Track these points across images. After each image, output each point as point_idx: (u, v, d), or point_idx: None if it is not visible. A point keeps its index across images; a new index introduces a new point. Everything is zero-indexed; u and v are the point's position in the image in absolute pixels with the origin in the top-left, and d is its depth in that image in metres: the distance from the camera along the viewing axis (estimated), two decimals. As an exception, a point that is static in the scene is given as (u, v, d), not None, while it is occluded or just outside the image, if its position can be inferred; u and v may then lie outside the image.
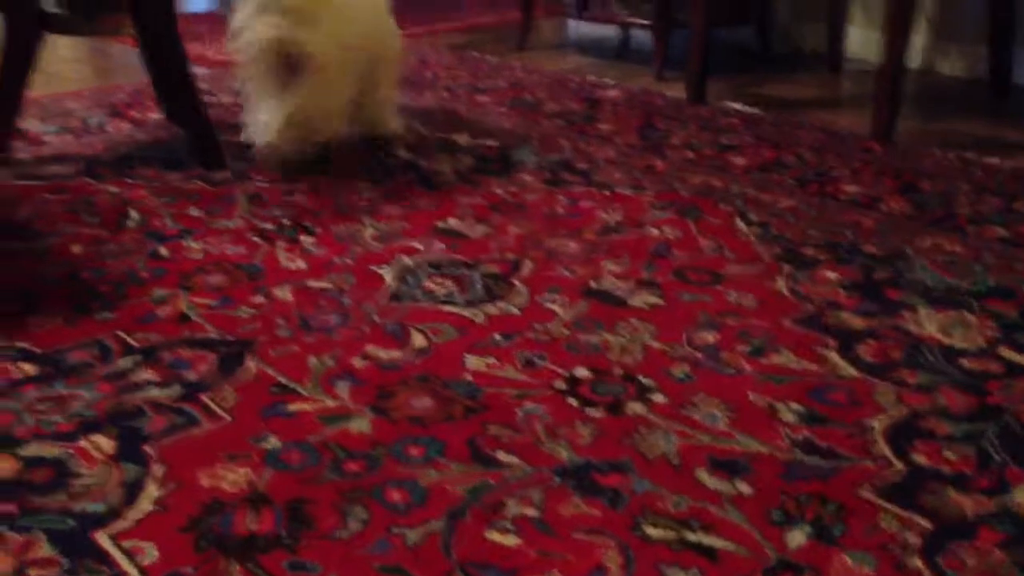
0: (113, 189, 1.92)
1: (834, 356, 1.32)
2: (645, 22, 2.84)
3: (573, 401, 1.21)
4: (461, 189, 1.94)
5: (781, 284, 1.53)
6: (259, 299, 1.48)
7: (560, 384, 1.25)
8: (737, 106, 2.49)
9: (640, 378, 1.26)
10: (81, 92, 2.64)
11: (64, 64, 3.01)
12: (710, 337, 1.37)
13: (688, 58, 2.52)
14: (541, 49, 3.26)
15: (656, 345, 1.35)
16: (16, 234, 1.71)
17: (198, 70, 2.90)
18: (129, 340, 1.35)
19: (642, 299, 1.48)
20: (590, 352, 1.33)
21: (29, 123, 2.32)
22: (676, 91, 2.64)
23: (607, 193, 1.91)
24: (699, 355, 1.32)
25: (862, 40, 2.91)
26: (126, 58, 2.88)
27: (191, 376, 1.26)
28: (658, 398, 1.22)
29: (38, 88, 2.66)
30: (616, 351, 1.33)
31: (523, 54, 3.17)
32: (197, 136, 2.03)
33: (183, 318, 1.42)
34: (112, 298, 1.48)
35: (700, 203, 1.86)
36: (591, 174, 2.02)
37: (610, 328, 1.40)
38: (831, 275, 1.56)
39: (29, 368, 1.28)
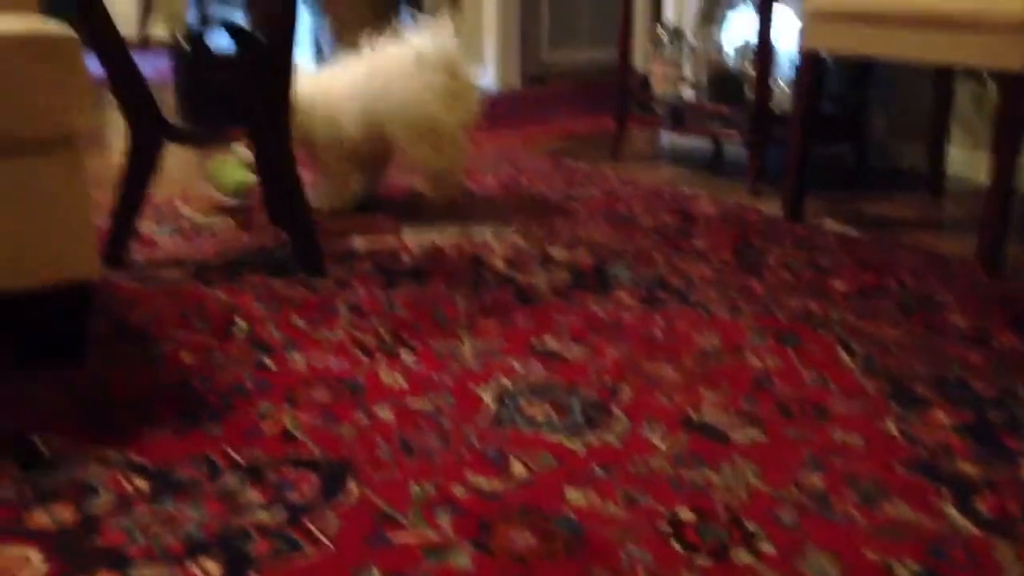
0: (222, 295, 1.98)
1: (950, 508, 1.27)
2: (740, 137, 2.86)
3: (677, 545, 1.19)
4: (557, 305, 1.96)
5: (890, 424, 1.49)
6: (361, 417, 1.50)
7: (664, 526, 1.23)
8: (835, 225, 2.47)
9: (746, 522, 1.23)
10: (192, 195, 2.75)
11: (175, 165, 3.15)
12: (817, 480, 1.34)
13: (784, 174, 2.52)
14: (634, 158, 3.30)
15: (761, 486, 1.32)
16: (132, 339, 1.77)
17: (305, 175, 3.01)
18: (236, 456, 1.38)
19: (744, 434, 1.46)
20: (693, 490, 1.31)
21: (144, 225, 2.42)
22: (771, 207, 2.64)
23: (704, 315, 1.91)
24: (806, 500, 1.29)
25: (963, 160, 2.88)
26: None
27: (295, 498, 1.28)
28: (766, 547, 1.19)
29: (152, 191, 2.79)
30: (720, 490, 1.31)
31: (616, 163, 3.21)
32: (300, 242, 2.10)
33: (287, 435, 1.45)
34: (220, 410, 1.51)
35: (799, 330, 1.83)
36: (687, 294, 2.02)
37: (713, 465, 1.37)
38: (942, 416, 1.51)
39: (141, 483, 1.31)
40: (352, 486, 1.31)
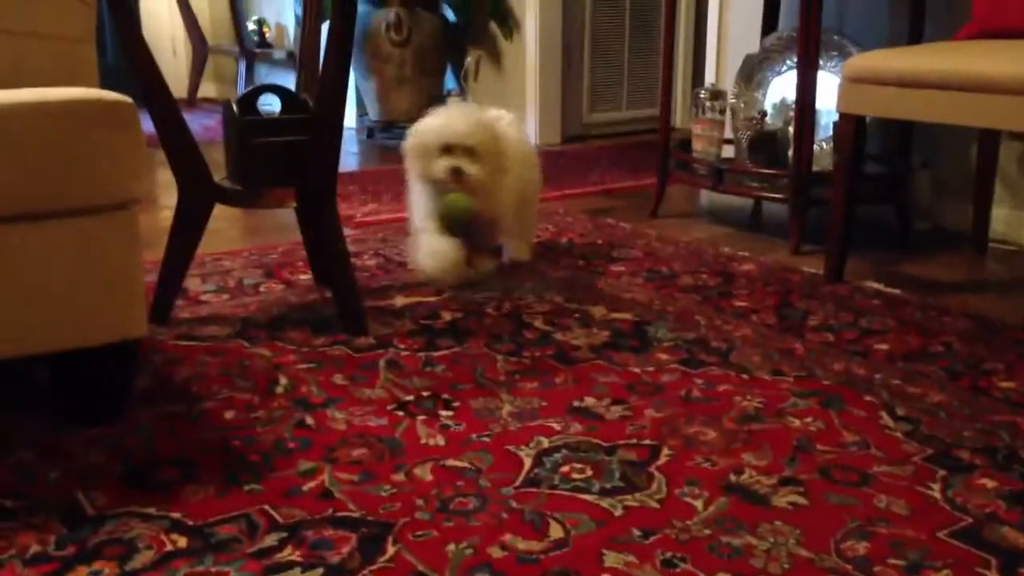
0: (265, 352, 2.01)
1: (997, 578, 1.24)
2: (782, 197, 2.86)
3: (717, 613, 1.17)
4: (597, 366, 1.95)
5: (935, 490, 1.46)
6: (400, 477, 1.50)
7: (703, 592, 1.21)
8: (878, 286, 2.45)
9: (787, 591, 1.21)
10: (238, 251, 2.80)
11: (221, 222, 3.22)
12: (860, 547, 1.31)
13: (826, 234, 2.52)
14: (674, 216, 3.31)
15: (803, 553, 1.30)
16: (176, 397, 1.80)
17: (346, 231, 3.05)
18: (275, 515, 1.39)
19: (786, 498, 1.44)
20: (733, 556, 1.29)
21: (190, 282, 2.47)
22: (812, 266, 2.62)
23: (745, 377, 1.89)
24: (849, 567, 1.26)
25: (1009, 220, 2.85)
26: (275, 217, 3.05)
27: (333, 558, 1.28)
28: (807, 616, 1.16)
29: (199, 247, 2.85)
30: (760, 557, 1.29)
31: (656, 221, 3.22)
32: (344, 300, 2.12)
33: (326, 494, 1.45)
34: (261, 469, 1.52)
35: (843, 392, 1.81)
36: (727, 355, 2.00)
37: (753, 530, 1.35)
38: (988, 483, 1.48)
39: (181, 541, 1.32)
40: (390, 547, 1.31)
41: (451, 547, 1.31)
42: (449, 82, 5.16)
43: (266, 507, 1.41)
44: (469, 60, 5.10)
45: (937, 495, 1.45)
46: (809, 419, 1.71)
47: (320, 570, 1.26)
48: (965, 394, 1.81)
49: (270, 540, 1.33)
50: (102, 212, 1.56)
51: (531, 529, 1.36)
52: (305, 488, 1.47)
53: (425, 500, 1.43)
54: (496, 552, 1.30)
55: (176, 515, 1.39)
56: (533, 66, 4.76)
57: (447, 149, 2.31)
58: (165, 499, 1.43)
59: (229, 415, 1.72)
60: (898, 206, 2.94)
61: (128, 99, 1.55)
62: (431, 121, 2.39)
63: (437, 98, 5.05)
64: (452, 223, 2.34)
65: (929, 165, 2.98)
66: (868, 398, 1.79)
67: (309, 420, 1.70)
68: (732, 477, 1.50)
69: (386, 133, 5.02)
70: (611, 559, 1.29)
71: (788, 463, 1.55)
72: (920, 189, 2.96)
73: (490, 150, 2.33)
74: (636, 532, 1.35)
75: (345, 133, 5.21)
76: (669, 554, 1.30)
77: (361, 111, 5.26)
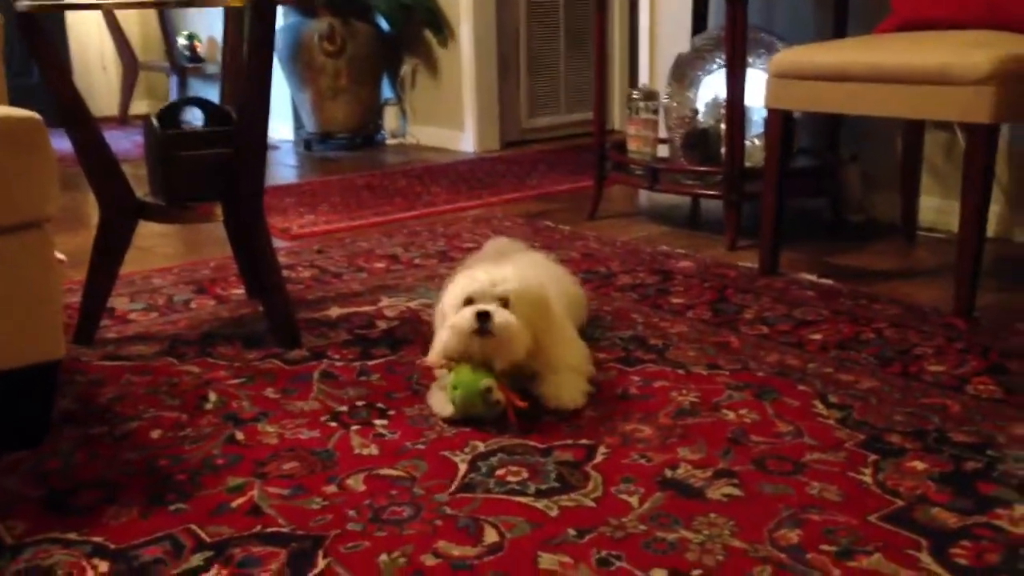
0: (194, 369, 1.97)
1: (927, 559, 1.24)
2: (716, 194, 2.88)
3: (651, 609, 1.16)
4: (534, 368, 1.94)
5: (867, 475, 1.47)
6: (331, 489, 1.47)
7: (637, 589, 1.20)
8: (811, 278, 2.47)
9: (721, 583, 1.21)
10: (169, 268, 2.75)
11: (154, 239, 3.16)
12: (793, 535, 1.31)
13: (760, 229, 2.53)
14: (613, 217, 3.32)
15: (737, 543, 1.29)
16: (99, 418, 1.75)
17: (280, 243, 3.01)
18: (201, 534, 1.35)
19: (720, 491, 1.44)
20: (668, 551, 1.28)
21: (117, 301, 2.41)
22: (749, 261, 2.64)
23: (681, 372, 1.89)
24: (783, 556, 1.26)
25: (936, 209, 2.90)
26: (210, 232, 2.99)
27: (262, 575, 1.25)
28: (741, 607, 1.16)
29: (128, 265, 2.78)
30: (695, 550, 1.28)
31: (595, 223, 3.22)
32: (276, 314, 2.09)
33: (255, 510, 1.42)
34: (187, 488, 1.49)
35: (777, 383, 1.82)
36: (664, 351, 2.00)
37: (688, 523, 1.35)
38: (919, 465, 1.49)
39: (102, 566, 1.28)
40: (320, 560, 1.28)
41: (383, 557, 1.29)
42: (386, 91, 5.13)
43: (192, 526, 1.37)
44: (405, 68, 5.07)
45: (868, 480, 1.45)
46: (744, 411, 1.71)
47: (247, 588, 1.23)
48: (896, 379, 1.82)
49: (196, 560, 1.29)
50: (13, 232, 1.51)
51: (465, 535, 1.34)
52: (233, 505, 1.43)
53: (357, 511, 1.41)
54: (429, 560, 1.28)
55: (97, 539, 1.34)
56: (469, 73, 4.75)
57: (470, 301, 1.72)
58: (86, 523, 1.39)
59: (155, 434, 1.68)
60: (830, 198, 2.97)
61: (36, 116, 1.50)
62: (457, 282, 1.78)
63: (374, 108, 5.03)
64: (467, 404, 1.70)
65: (858, 158, 3.02)
66: (802, 387, 1.80)
67: (239, 435, 1.67)
68: (668, 472, 1.50)
69: (323, 145, 4.97)
70: (546, 560, 1.27)
71: (723, 456, 1.55)
72: (850, 182, 3.00)
73: (529, 301, 1.74)
74: (571, 532, 1.34)
75: (282, 146, 5.19)
76: (604, 552, 1.28)
77: (297, 124, 5.20)
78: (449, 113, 4.91)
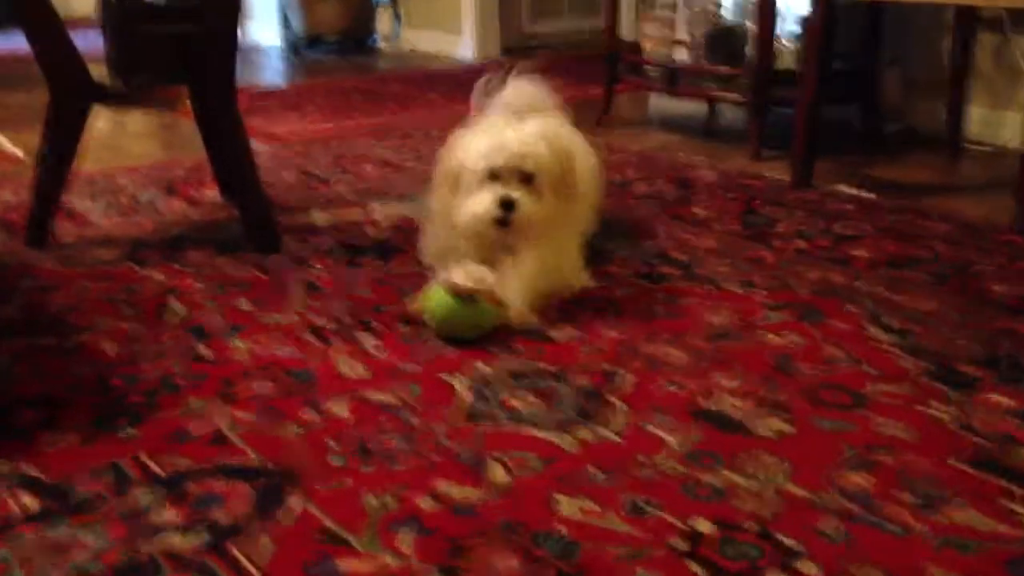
0: (158, 276, 1.73)
1: (1022, 510, 1.03)
2: (740, 98, 2.62)
3: (697, 568, 0.95)
4: (543, 281, 1.71)
5: (940, 411, 1.25)
6: (309, 414, 1.25)
7: (678, 542, 0.99)
8: (850, 190, 2.23)
9: (780, 537, 0.99)
10: (137, 168, 2.49)
11: (128, 139, 2.89)
12: (862, 480, 1.10)
13: (791, 137, 2.29)
14: (622, 125, 3.05)
15: (795, 490, 1.08)
16: (46, 327, 1.52)
17: (263, 146, 2.75)
18: (152, 466, 1.13)
19: (768, 425, 1.22)
20: (712, 498, 1.07)
21: (77, 201, 2.16)
22: (776, 172, 2.40)
23: (712, 289, 1.66)
24: (852, 506, 1.05)
25: (986, 120, 2.64)
26: (195, 131, 2.72)
27: (221, 517, 1.03)
28: (808, 568, 0.95)
29: (93, 163, 2.53)
30: (745, 497, 1.07)
31: (605, 131, 2.96)
32: (252, 217, 1.84)
33: (219, 438, 1.20)
34: (141, 410, 1.26)
35: (821, 304, 1.59)
36: (691, 267, 1.77)
37: (733, 464, 1.13)
38: (998, 399, 1.27)
39: (31, 502, 1.06)
40: (293, 500, 1.07)
41: (370, 498, 1.07)
42: (379, -9, 4.80)
43: (142, 456, 1.15)
44: (400, -33, 4.74)
45: (942, 415, 1.24)
46: (787, 334, 1.48)
47: (203, 534, 1.01)
48: (958, 301, 1.60)
49: (143, 497, 1.07)
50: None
51: (468, 472, 1.12)
52: (193, 432, 1.21)
53: (339, 441, 1.19)
54: (425, 503, 1.06)
55: (29, 469, 1.12)
56: (469, -28, 4.42)
57: (494, 175, 1.55)
58: (18, 449, 1.16)
59: (109, 348, 1.45)
60: (865, 105, 2.71)
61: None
62: (474, 140, 1.60)
63: (367, 9, 4.70)
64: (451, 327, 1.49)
65: (898, 62, 2.75)
66: (850, 308, 1.57)
67: (204, 351, 1.44)
68: (703, 402, 1.28)
69: (312, 48, 4.66)
70: (565, 506, 1.05)
71: (767, 384, 1.33)
72: (890, 87, 2.74)
73: (558, 177, 1.58)
74: (594, 472, 1.12)
75: (268, 50, 4.86)
76: (636, 498, 1.07)
77: (285, 25, 4.87)
78: (446, 16, 4.59)
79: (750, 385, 1.32)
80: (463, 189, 1.57)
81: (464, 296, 1.45)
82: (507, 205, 1.52)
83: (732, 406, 1.27)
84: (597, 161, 1.82)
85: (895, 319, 1.53)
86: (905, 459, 1.14)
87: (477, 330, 1.47)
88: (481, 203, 1.53)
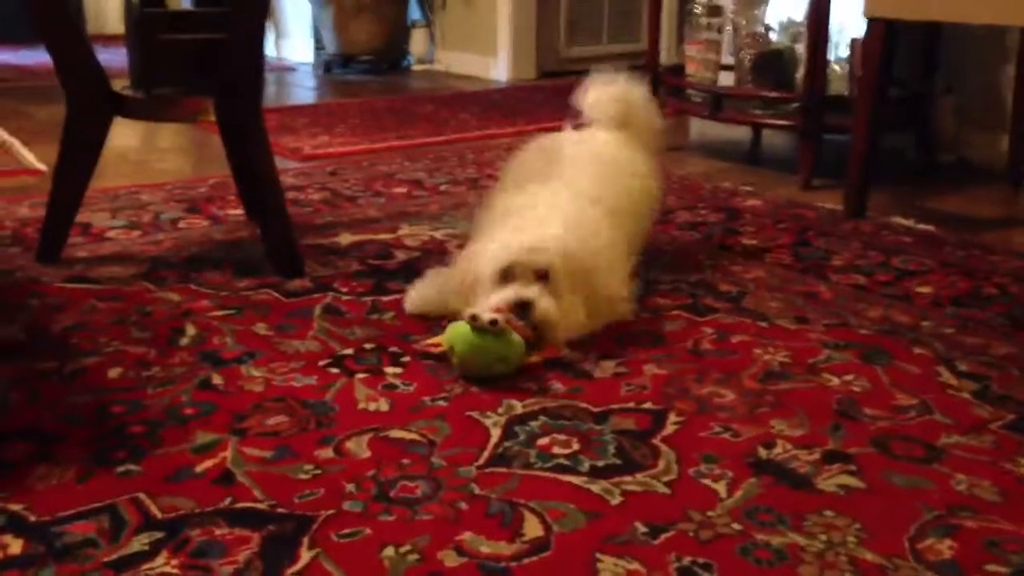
0: (173, 297, 1.63)
1: None
2: (790, 124, 2.50)
3: (761, 649, 0.83)
4: (582, 312, 1.59)
5: (1027, 468, 1.12)
6: (326, 453, 1.14)
7: (739, 617, 0.87)
8: (907, 222, 2.10)
9: (856, 614, 0.87)
10: (162, 184, 2.41)
11: (156, 154, 2.82)
12: (944, 548, 0.97)
13: (842, 165, 2.16)
14: (664, 151, 2.93)
15: (868, 556, 0.95)
16: (49, 350, 1.42)
17: (291, 164, 2.67)
18: (151, 507, 1.02)
19: (834, 480, 1.09)
20: (774, 562, 0.94)
21: (94, 216, 2.08)
22: (827, 201, 2.27)
23: (764, 325, 1.54)
24: (934, 577, 0.92)
25: (1045, 150, 2.50)
26: (217, 147, 2.65)
27: (224, 569, 0.92)
28: (891, 655, 0.82)
29: (117, 178, 2.46)
30: (812, 563, 0.94)
31: (644, 157, 2.84)
32: (274, 237, 1.75)
33: (226, 477, 1.09)
34: (143, 444, 1.16)
35: (886, 344, 1.46)
36: (740, 299, 1.65)
37: (797, 524, 1.01)
38: (1094, 457, 1.14)
39: (14, 545, 0.96)
40: (304, 551, 0.95)
41: (389, 551, 0.95)
42: (414, 11, 4.73)
43: (141, 496, 1.04)
44: (436, -12, 4.67)
45: (1031, 474, 1.11)
46: (850, 376, 1.36)
47: (202, 588, 0.90)
48: (1036, 345, 1.47)
49: (137, 544, 0.96)
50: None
51: (499, 525, 1.00)
52: (198, 469, 1.10)
53: (358, 485, 1.07)
54: (450, 558, 0.94)
55: (16, 507, 1.02)
56: (505, -7, 4.34)
57: (508, 275, 1.45)
58: (5, 485, 1.06)
59: (114, 373, 1.35)
60: (919, 134, 2.58)
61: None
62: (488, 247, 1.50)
63: (401, 30, 4.63)
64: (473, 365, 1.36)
65: (954, 90, 2.62)
66: (918, 350, 1.44)
67: (216, 379, 1.33)
68: (762, 451, 1.16)
69: (344, 68, 4.59)
70: (608, 567, 0.93)
71: (831, 433, 1.20)
72: (944, 116, 2.61)
73: (573, 279, 1.47)
74: (641, 528, 1.00)
75: (299, 68, 4.81)
76: (687, 560, 0.95)
77: (318, 44, 4.82)
78: (481, 38, 4.51)
79: (812, 433, 1.20)
80: (481, 291, 1.47)
81: (488, 329, 1.33)
82: (523, 306, 1.40)
83: (793, 456, 1.14)
84: (656, 184, 1.75)
85: (968, 363, 1.39)
86: (991, 523, 1.01)
87: (504, 364, 1.34)
88: (499, 303, 1.40)
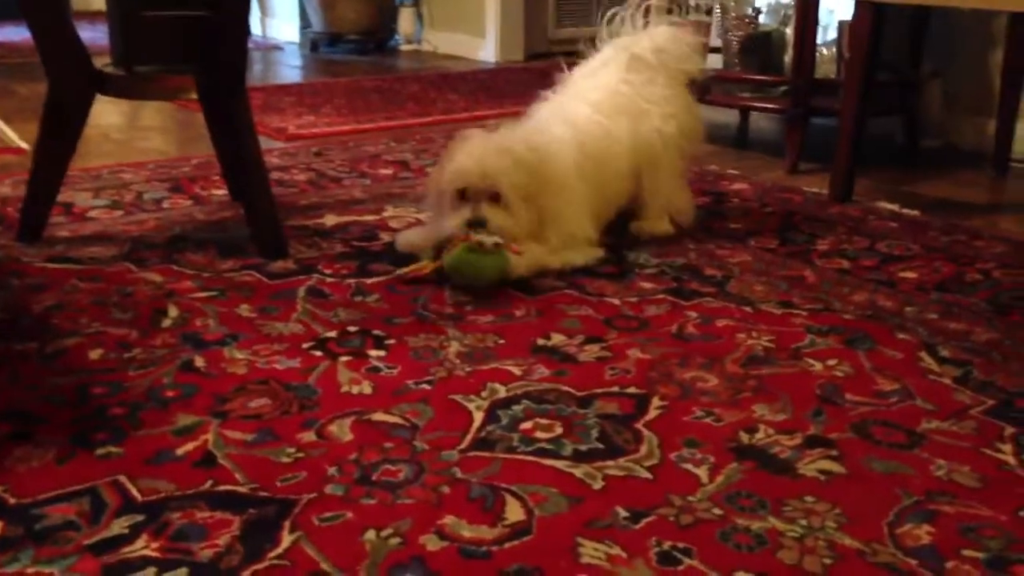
0: (155, 278, 1.62)
1: (1115, 578, 0.91)
2: (779, 108, 2.49)
3: (740, 634, 0.83)
4: (566, 296, 1.59)
5: (1006, 453, 1.12)
6: (308, 436, 1.14)
7: (718, 602, 0.87)
8: (893, 207, 2.10)
9: (834, 599, 0.87)
10: (145, 163, 2.39)
11: (140, 133, 2.80)
12: (922, 533, 0.97)
13: (829, 149, 2.16)
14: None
15: (847, 541, 0.96)
16: (29, 330, 1.41)
17: (276, 144, 2.65)
18: (131, 490, 1.02)
19: (815, 465, 1.10)
20: (755, 548, 0.95)
21: (78, 196, 2.06)
22: (814, 186, 2.27)
23: (748, 310, 1.54)
24: (912, 562, 0.93)
25: (1030, 136, 2.51)
26: (201, 126, 2.63)
27: (204, 553, 0.92)
28: (869, 640, 0.83)
29: (100, 157, 2.44)
30: (791, 548, 0.95)
31: (631, 139, 2.83)
32: (258, 218, 1.74)
33: (208, 459, 1.08)
34: (123, 425, 1.15)
35: (870, 329, 1.47)
36: (725, 284, 1.65)
37: (777, 509, 1.01)
38: (1073, 444, 1.15)
39: (-8, 527, 0.95)
40: (285, 535, 0.95)
41: (370, 535, 0.95)
42: (402, -9, 4.69)
43: (121, 478, 1.04)
44: (424, -33, 4.63)
45: (1010, 459, 1.11)
46: (833, 361, 1.36)
47: (182, 569, 0.89)
48: (1019, 331, 1.47)
49: (117, 526, 0.96)
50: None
51: (480, 509, 1.00)
52: (179, 452, 1.10)
53: (340, 468, 1.07)
54: (431, 542, 0.94)
55: (-5, 490, 1.02)
56: (493, -28, 4.31)
57: (463, 195, 1.64)
58: (-16, 468, 1.06)
59: (95, 354, 1.34)
60: (906, 119, 2.58)
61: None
62: (451, 159, 1.68)
63: (388, 9, 4.60)
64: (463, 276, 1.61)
65: (941, 75, 2.62)
66: (901, 336, 1.45)
67: (199, 361, 1.33)
68: (744, 436, 1.16)
69: (331, 47, 4.56)
70: (588, 552, 0.94)
71: (813, 418, 1.20)
72: (931, 101, 2.61)
73: (526, 189, 1.65)
74: (622, 513, 1.00)
75: (286, 47, 4.77)
76: (667, 544, 0.95)
77: (304, 23, 4.78)
78: (469, 18, 4.48)
79: (794, 418, 1.20)
80: (444, 208, 1.68)
81: (491, 251, 1.57)
82: (476, 224, 1.60)
83: (775, 441, 1.15)
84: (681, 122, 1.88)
85: (950, 349, 1.40)
86: (969, 508, 1.01)
87: (503, 275, 1.58)
88: (452, 225, 1.62)
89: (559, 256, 1.69)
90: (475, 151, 1.65)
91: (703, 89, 2.62)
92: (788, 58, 2.51)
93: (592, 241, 1.75)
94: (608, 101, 1.85)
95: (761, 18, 2.66)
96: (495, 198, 1.62)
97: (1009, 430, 1.17)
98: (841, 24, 2.42)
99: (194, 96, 1.71)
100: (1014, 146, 2.45)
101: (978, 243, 1.87)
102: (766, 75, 2.55)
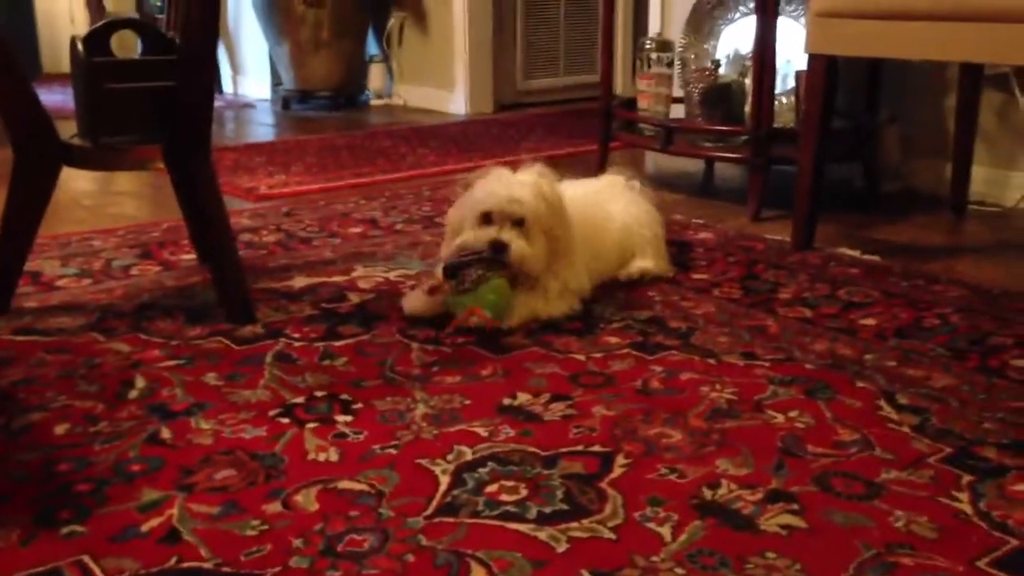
0: (123, 347, 1.63)
1: (1069, 627, 0.92)
2: (739, 157, 2.54)
3: None
4: (532, 353, 1.61)
5: (963, 502, 1.14)
6: (274, 507, 1.14)
7: (679, 665, 0.88)
8: (854, 253, 2.14)
9: (794, 658, 0.88)
10: (115, 229, 2.40)
11: (111, 198, 2.81)
12: (882, 587, 0.99)
13: (786, 198, 2.20)
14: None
15: (807, 598, 0.97)
16: (-5, 406, 1.41)
17: (246, 204, 2.67)
18: (95, 570, 1.02)
19: (777, 519, 1.11)
20: (716, 607, 0.96)
21: (46, 264, 2.07)
22: (777, 233, 2.31)
23: (712, 362, 1.56)
24: (872, 618, 0.94)
25: (988, 179, 2.56)
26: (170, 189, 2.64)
27: (167, 633, 0.92)
28: None
29: (70, 224, 2.44)
30: (753, 607, 0.96)
31: (599, 190, 2.87)
32: (225, 284, 1.75)
33: (172, 535, 1.09)
34: (88, 503, 1.15)
35: (830, 379, 1.49)
36: (689, 336, 1.67)
37: (739, 566, 1.02)
38: (1028, 490, 1.17)
39: (-48, 615, 0.95)
40: (249, 611, 0.95)
41: (335, 608, 0.96)
42: (372, 47, 4.76)
43: (85, 558, 1.04)
44: (392, 22, 4.70)
45: (967, 508, 1.13)
46: (794, 413, 1.38)
47: (144, 653, 0.90)
48: (976, 376, 1.50)
49: (80, 609, 0.96)
50: None
51: (444, 575, 1.01)
52: (144, 528, 1.10)
53: (305, 540, 1.07)
54: (396, 613, 0.95)
55: (-44, 575, 1.01)
56: (462, 29, 4.38)
57: (488, 218, 1.72)
58: (-53, 551, 1.05)
59: (60, 429, 1.34)
60: (865, 165, 2.64)
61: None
62: (474, 190, 1.77)
63: (358, 65, 4.66)
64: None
65: (897, 120, 2.68)
66: (861, 384, 1.47)
67: (165, 433, 1.33)
68: (706, 492, 1.17)
69: (303, 104, 4.60)
70: (553, 617, 0.94)
71: (775, 471, 1.22)
72: (889, 146, 2.67)
73: (547, 222, 1.73)
74: (586, 575, 1.01)
75: (257, 105, 4.81)
76: (631, 607, 0.96)
77: (275, 80, 4.83)
78: (439, 72, 4.55)
79: (757, 472, 1.22)
80: (465, 232, 1.74)
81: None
82: (498, 247, 1.68)
83: (737, 496, 1.16)
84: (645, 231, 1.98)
85: (908, 396, 1.42)
86: (928, 560, 1.03)
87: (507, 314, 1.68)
88: (474, 240, 1.70)
89: (548, 306, 1.74)
90: (503, 178, 1.74)
91: (666, 137, 2.68)
92: (749, 108, 2.55)
93: (584, 294, 1.81)
94: (598, 191, 2.04)
95: (721, 69, 2.71)
96: (518, 223, 1.70)
97: (966, 478, 1.20)
98: (798, 74, 2.48)
99: (161, 165, 1.72)
100: (970, 188, 2.51)
101: (936, 287, 1.91)
102: (727, 125, 2.60)
